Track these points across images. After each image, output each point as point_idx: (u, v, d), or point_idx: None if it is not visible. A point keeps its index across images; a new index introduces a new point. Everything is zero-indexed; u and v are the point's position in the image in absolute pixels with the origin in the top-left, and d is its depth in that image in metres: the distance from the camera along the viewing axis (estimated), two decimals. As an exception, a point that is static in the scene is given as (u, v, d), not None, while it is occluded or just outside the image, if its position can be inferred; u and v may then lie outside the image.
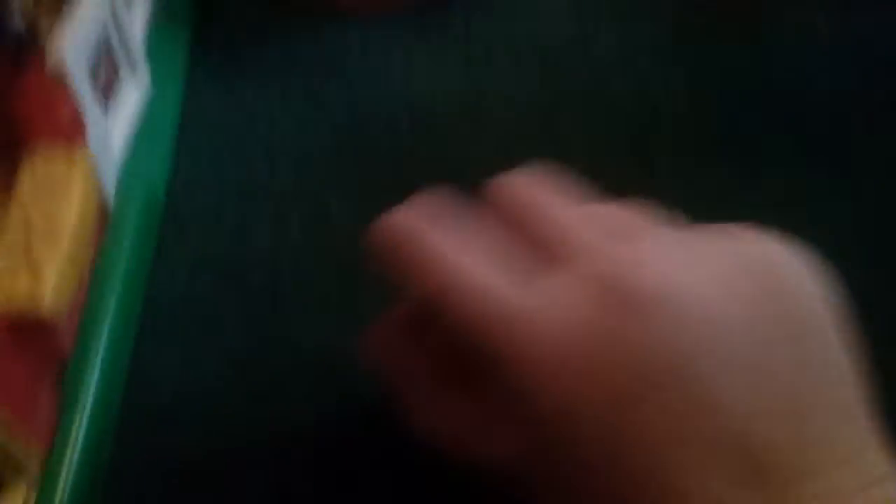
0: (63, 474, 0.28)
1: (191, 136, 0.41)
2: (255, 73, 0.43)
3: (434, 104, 0.42)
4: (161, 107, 0.40)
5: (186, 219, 0.38)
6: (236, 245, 0.37)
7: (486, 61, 0.43)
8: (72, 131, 0.30)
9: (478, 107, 0.42)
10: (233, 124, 0.41)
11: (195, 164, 0.40)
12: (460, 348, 0.24)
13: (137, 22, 0.40)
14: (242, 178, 0.39)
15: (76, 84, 0.31)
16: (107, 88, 0.35)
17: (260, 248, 0.37)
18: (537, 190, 0.26)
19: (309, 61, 0.44)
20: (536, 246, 0.24)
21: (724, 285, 0.22)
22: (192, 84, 0.42)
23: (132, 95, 0.37)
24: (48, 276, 0.27)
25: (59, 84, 0.31)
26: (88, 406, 0.30)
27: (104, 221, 0.33)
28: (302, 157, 0.40)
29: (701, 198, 0.32)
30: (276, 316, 0.35)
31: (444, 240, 0.25)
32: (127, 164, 0.36)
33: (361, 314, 0.30)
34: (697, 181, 0.38)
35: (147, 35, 0.41)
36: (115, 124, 0.36)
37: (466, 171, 0.29)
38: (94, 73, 0.34)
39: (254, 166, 0.40)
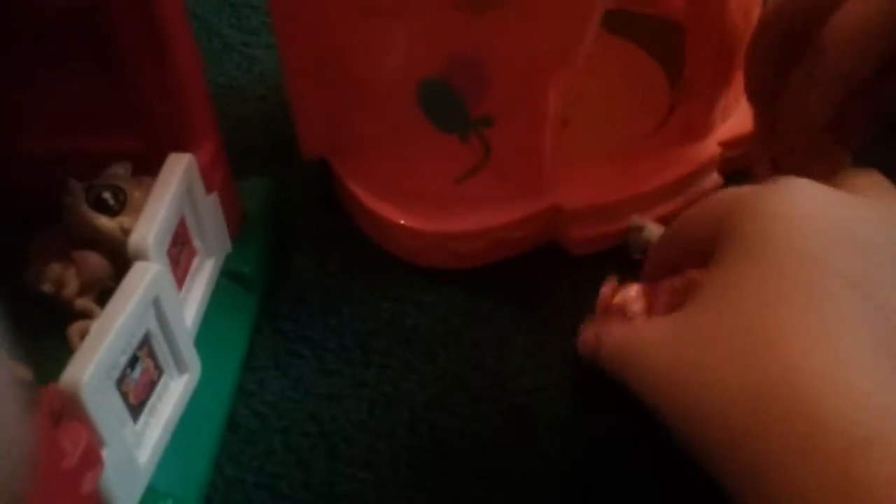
0: None
1: (240, 427, 0.35)
2: (323, 342, 0.38)
3: (535, 388, 0.36)
4: (209, 394, 0.34)
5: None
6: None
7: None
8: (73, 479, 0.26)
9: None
10: (290, 406, 0.36)
11: (240, 463, 0.34)
12: None
13: (192, 303, 0.35)
14: (295, 483, 0.34)
15: (92, 416, 0.27)
16: (141, 394, 0.31)
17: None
18: None
19: (386, 330, 0.38)
20: None
21: None
22: (251, 357, 0.37)
23: (175, 393, 0.33)
24: None
25: (68, 415, 0.26)
26: None
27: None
28: (368, 452, 0.34)
29: None
30: None
31: None
32: (157, 474, 0.31)
33: None
34: None
35: (205, 310, 0.36)
36: (146, 435, 0.31)
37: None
38: (121, 384, 0.29)
39: (310, 467, 0.34)
